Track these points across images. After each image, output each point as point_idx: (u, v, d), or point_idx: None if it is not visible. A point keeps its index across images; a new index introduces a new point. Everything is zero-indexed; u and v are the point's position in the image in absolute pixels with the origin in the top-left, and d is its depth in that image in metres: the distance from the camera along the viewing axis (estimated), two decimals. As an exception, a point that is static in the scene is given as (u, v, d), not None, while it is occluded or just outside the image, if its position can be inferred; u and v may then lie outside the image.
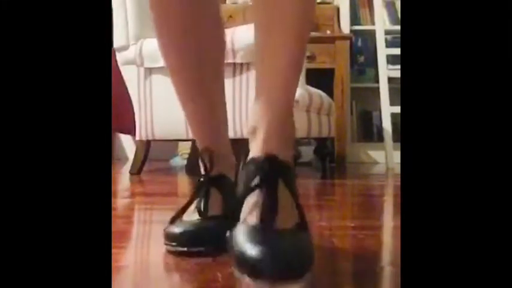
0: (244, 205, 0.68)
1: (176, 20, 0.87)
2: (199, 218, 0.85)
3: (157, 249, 0.86)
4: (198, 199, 0.87)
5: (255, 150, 0.71)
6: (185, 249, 0.82)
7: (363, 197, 1.71)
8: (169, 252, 0.84)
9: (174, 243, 0.83)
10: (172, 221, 0.87)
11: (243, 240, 0.62)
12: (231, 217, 0.71)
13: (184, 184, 2.25)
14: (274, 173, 0.67)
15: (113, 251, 0.85)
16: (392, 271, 0.74)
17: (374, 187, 2.02)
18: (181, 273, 0.74)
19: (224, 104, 0.95)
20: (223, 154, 0.91)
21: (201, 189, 0.87)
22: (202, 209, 0.85)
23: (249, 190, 0.68)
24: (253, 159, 0.70)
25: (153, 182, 2.20)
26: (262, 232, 0.62)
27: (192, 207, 0.87)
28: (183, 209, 0.88)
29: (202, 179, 0.88)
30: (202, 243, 0.82)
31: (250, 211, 0.67)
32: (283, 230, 0.64)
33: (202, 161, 0.89)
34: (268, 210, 0.65)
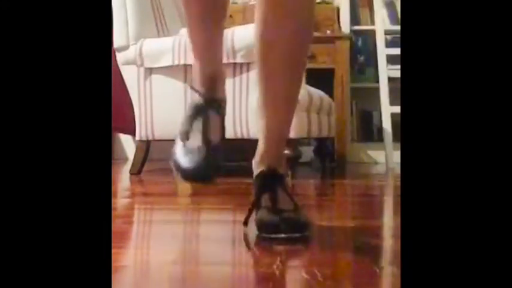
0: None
1: None
2: (203, 145, 0.96)
3: (157, 249, 0.87)
4: (198, 121, 0.98)
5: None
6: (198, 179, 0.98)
7: (363, 197, 1.71)
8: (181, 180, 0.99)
9: (188, 175, 0.96)
10: (181, 139, 0.99)
11: None
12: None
13: (184, 184, 2.25)
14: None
15: (113, 251, 0.85)
16: (393, 271, 0.74)
17: (374, 187, 2.02)
18: (181, 273, 0.74)
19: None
20: (222, 79, 1.04)
21: (200, 111, 0.99)
22: (202, 131, 0.97)
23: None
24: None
25: (153, 182, 2.20)
26: None
27: (195, 128, 0.99)
28: (187, 129, 0.99)
29: (200, 102, 1.00)
30: (210, 175, 0.97)
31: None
32: None
33: (205, 84, 1.01)
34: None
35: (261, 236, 0.94)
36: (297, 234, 0.92)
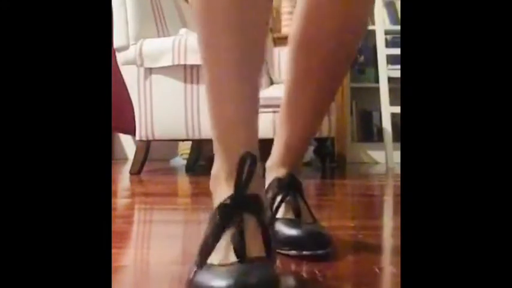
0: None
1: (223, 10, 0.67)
2: (239, 261, 0.60)
3: (157, 249, 0.87)
4: (230, 231, 0.63)
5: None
6: None
7: (363, 197, 1.71)
8: None
9: None
10: (200, 264, 0.62)
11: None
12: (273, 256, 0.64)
13: (184, 184, 2.25)
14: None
15: (113, 251, 0.85)
16: (393, 271, 0.74)
17: (374, 187, 2.02)
18: (181, 273, 0.74)
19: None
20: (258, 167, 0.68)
21: (232, 216, 0.63)
22: (239, 246, 0.61)
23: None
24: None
25: (153, 182, 2.20)
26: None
27: (223, 243, 0.62)
28: (210, 245, 0.63)
29: (229, 201, 0.64)
30: None
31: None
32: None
33: (239, 172, 0.64)
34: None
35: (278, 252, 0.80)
36: (322, 251, 0.81)
